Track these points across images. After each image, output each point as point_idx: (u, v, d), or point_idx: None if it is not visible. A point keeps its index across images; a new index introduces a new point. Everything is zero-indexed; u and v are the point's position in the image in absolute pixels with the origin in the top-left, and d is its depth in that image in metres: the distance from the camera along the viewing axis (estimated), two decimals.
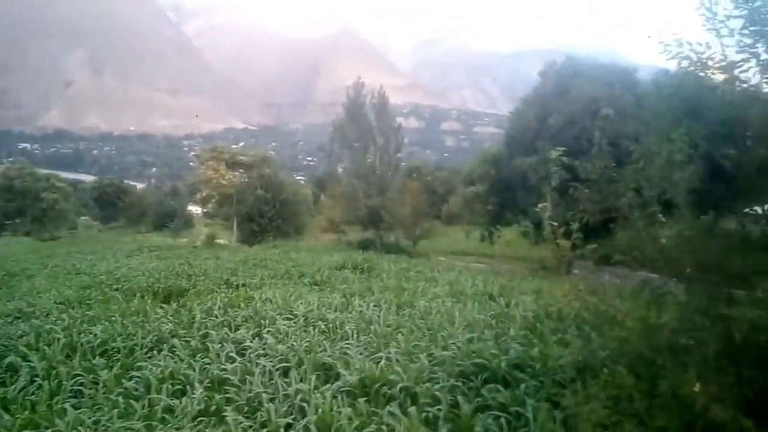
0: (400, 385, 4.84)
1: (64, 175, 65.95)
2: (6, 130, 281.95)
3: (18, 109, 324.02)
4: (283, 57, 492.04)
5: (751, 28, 3.40)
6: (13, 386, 5.67)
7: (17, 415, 4.84)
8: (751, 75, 3.53)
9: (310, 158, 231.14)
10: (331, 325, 7.37)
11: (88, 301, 9.82)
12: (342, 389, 5.07)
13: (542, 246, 22.46)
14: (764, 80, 3.46)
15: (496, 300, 9.12)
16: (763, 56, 3.42)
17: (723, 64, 3.45)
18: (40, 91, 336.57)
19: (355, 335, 6.85)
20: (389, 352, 5.94)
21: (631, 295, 5.29)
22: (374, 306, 8.66)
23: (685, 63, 3.87)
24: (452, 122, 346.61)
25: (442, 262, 21.84)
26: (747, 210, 3.64)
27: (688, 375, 2.92)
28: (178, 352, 6.43)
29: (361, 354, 6.00)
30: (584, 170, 4.59)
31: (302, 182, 68.49)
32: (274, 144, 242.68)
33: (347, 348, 6.22)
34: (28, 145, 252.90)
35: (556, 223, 4.20)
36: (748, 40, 3.41)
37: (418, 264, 17.47)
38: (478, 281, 11.76)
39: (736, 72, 3.44)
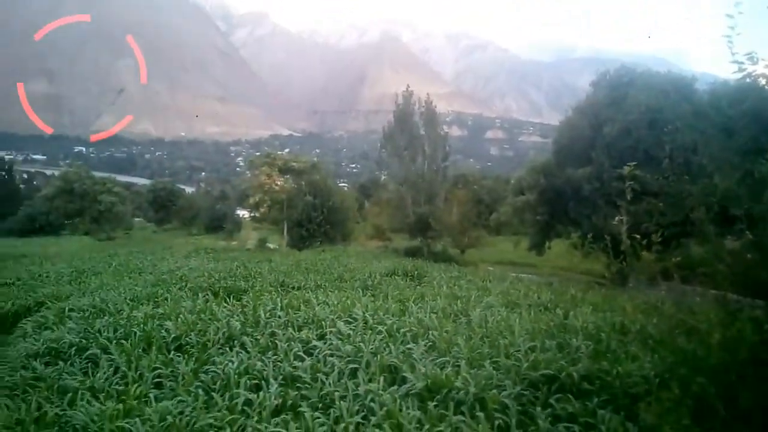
0: (470, 391, 4.94)
1: (118, 178, 68.38)
2: (62, 135, 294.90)
3: (72, 114, 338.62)
4: (327, 66, 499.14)
5: None
6: (98, 376, 6.06)
7: (106, 403, 5.18)
8: None
9: (353, 165, 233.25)
10: (389, 330, 7.55)
11: (156, 299, 10.28)
12: (410, 392, 5.23)
13: (592, 258, 22.17)
14: None
15: (552, 311, 9.11)
16: None
17: None
18: (92, 98, 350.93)
19: (415, 340, 7.01)
20: (452, 358, 6.08)
21: (699, 310, 5.25)
22: (430, 312, 8.78)
23: (762, 81, 3.90)
24: (496, 131, 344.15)
25: (491, 271, 21.75)
26: None
27: None
28: (248, 349, 6.73)
29: (423, 358, 6.16)
30: (657, 184, 4.62)
31: (346, 188, 69.01)
32: (317, 151, 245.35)
33: (410, 352, 6.38)
34: (83, 149, 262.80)
35: (638, 236, 4.24)
36: None
37: (467, 273, 17.46)
38: (531, 291, 11.71)
39: None
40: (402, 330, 7.41)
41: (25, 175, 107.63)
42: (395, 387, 5.30)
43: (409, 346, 6.62)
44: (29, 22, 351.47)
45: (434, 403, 4.84)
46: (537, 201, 25.02)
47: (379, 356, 6.11)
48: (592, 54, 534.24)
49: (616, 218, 4.66)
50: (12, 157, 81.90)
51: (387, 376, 5.68)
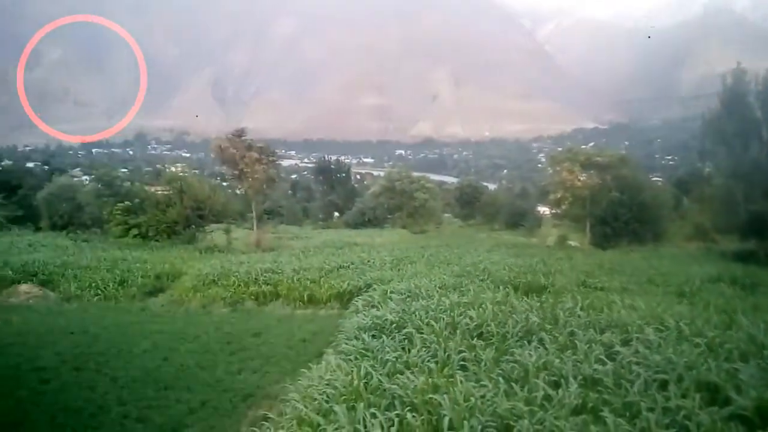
0: None
1: (431, 177, 75.52)
2: (386, 140, 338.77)
3: (395, 122, 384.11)
4: (636, 51, 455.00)
5: None
6: (412, 353, 6.85)
7: (420, 377, 5.83)
8: None
9: (668, 157, 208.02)
10: (710, 343, 6.65)
11: (461, 288, 11.10)
12: (734, 414, 4.57)
13: None
14: None
15: None
16: None
17: None
18: (411, 106, 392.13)
19: (744, 359, 6.03)
20: None
21: None
22: (766, 328, 7.41)
23: None
24: None
25: None
26: None
27: None
28: (546, 345, 6.76)
29: (753, 379, 5.27)
30: None
31: (659, 183, 62.32)
32: (626, 143, 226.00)
33: (736, 371, 5.53)
34: (402, 152, 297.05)
35: None
36: None
37: None
38: None
39: None
40: (726, 345, 6.51)
41: (358, 176, 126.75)
42: (715, 407, 4.68)
43: (735, 364, 5.75)
44: (357, 41, 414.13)
45: None
46: None
47: (695, 371, 5.49)
48: None
49: None
50: (348, 160, 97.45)
51: (704, 394, 5.06)
